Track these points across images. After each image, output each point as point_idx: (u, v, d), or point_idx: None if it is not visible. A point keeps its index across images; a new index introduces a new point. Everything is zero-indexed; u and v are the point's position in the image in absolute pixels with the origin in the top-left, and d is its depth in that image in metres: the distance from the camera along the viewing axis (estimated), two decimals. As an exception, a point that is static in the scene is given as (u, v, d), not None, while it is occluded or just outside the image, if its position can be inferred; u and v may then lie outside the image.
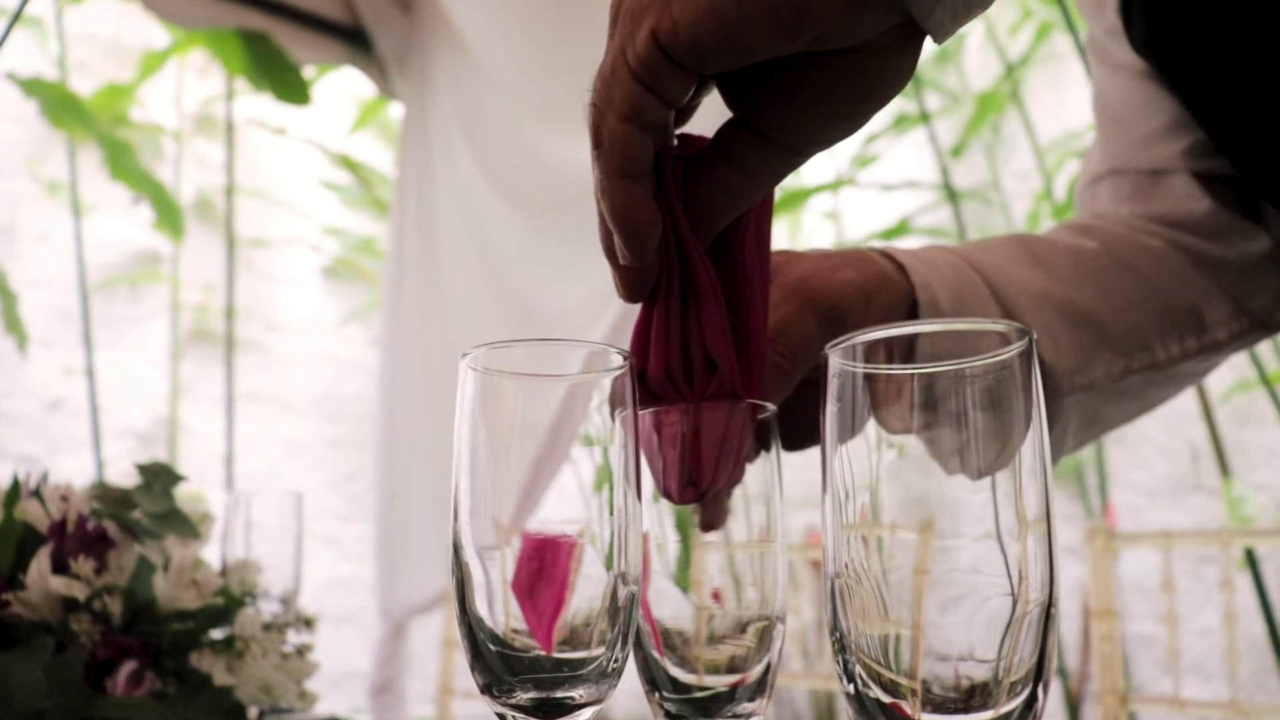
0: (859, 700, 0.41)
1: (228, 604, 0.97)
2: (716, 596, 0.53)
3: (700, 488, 0.51)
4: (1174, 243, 0.78)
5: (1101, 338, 0.73)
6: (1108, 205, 0.84)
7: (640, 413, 0.51)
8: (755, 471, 0.53)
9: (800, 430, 0.61)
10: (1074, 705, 2.78)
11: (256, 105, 3.29)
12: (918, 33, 0.45)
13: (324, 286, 3.53)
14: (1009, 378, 0.40)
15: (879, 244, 0.71)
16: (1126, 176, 0.83)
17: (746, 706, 0.52)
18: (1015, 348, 0.40)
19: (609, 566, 0.48)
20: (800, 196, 3.27)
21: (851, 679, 0.41)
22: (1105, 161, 0.85)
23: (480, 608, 0.47)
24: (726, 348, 0.51)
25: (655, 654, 0.53)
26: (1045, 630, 0.40)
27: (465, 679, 2.09)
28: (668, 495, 0.52)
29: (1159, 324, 0.75)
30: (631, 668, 0.51)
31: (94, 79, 3.06)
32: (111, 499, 0.97)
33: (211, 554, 1.07)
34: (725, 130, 0.50)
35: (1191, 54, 0.74)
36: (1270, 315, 0.79)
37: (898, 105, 3.21)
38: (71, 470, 2.79)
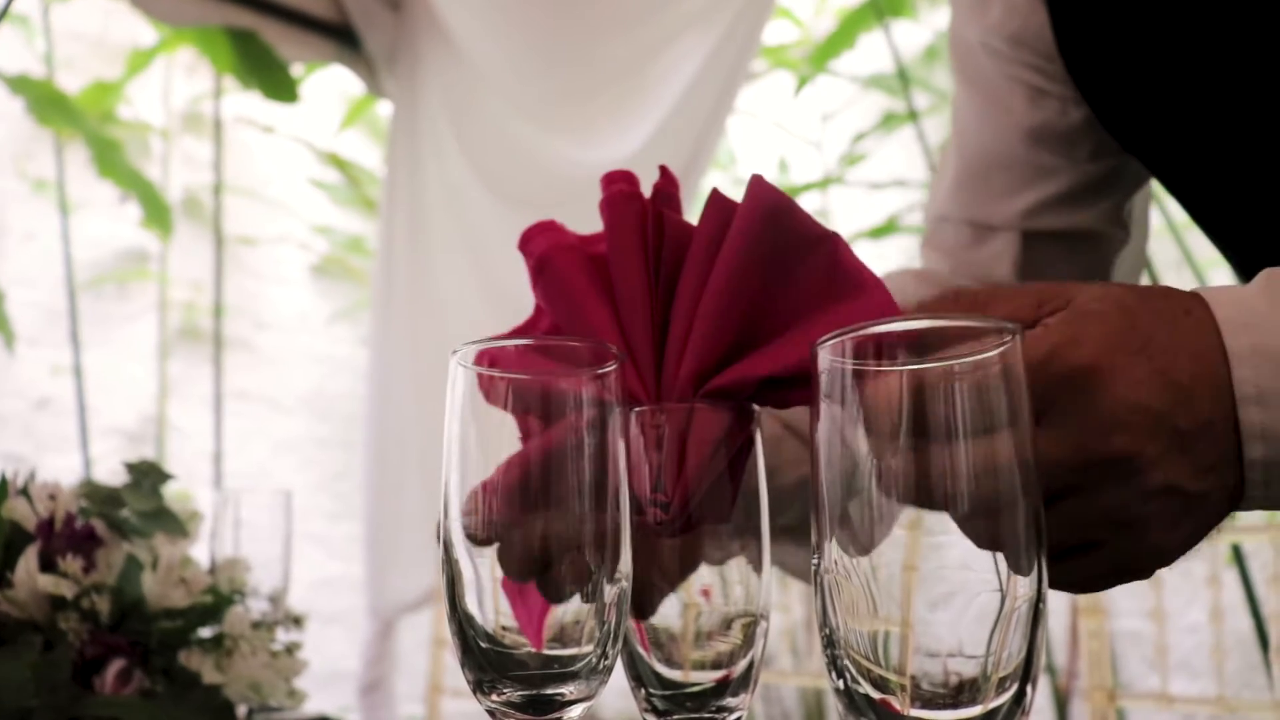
0: (848, 696, 0.41)
1: (216, 602, 0.96)
2: (706, 594, 0.53)
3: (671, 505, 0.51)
4: None
5: None
6: (947, 251, 0.88)
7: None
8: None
9: None
10: (1062, 702, 2.79)
11: (245, 103, 3.28)
12: None
13: (312, 285, 3.52)
14: (996, 374, 0.40)
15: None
16: (969, 227, 0.87)
17: (731, 701, 0.53)
18: (1002, 345, 0.41)
19: (599, 563, 0.48)
20: (789, 195, 3.27)
21: (841, 675, 0.41)
22: (957, 207, 0.88)
23: (470, 605, 0.47)
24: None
25: (641, 650, 0.53)
26: (1034, 626, 0.40)
27: (454, 677, 2.09)
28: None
29: None
30: (619, 665, 0.51)
31: (81, 76, 3.05)
32: (100, 497, 0.96)
33: (200, 552, 1.06)
34: None
35: (1135, 89, 0.74)
36: None
37: (886, 103, 3.21)
38: (59, 469, 2.77)
